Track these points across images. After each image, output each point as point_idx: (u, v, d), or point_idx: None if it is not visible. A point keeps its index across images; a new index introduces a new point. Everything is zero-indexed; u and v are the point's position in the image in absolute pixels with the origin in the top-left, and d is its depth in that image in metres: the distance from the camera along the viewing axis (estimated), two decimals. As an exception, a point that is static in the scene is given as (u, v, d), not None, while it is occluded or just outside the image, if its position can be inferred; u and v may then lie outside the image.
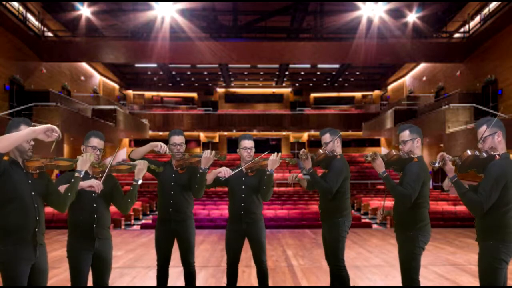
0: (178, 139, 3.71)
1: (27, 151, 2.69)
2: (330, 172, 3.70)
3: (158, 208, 3.79)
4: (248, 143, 3.80)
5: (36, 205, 2.66)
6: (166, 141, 3.78)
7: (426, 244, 3.20)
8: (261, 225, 3.78)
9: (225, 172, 3.68)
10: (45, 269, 2.73)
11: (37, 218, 2.66)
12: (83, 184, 2.95)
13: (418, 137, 3.30)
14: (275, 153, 3.66)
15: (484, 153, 2.81)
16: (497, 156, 2.80)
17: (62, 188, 2.84)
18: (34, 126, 2.68)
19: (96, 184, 2.97)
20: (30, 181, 2.67)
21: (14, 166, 2.65)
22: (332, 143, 3.78)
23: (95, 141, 3.18)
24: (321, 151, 3.76)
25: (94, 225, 3.06)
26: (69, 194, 2.78)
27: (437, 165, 2.86)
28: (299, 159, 3.77)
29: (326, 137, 3.81)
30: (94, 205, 3.08)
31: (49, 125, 2.56)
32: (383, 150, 27.09)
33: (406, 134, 3.30)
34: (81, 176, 2.83)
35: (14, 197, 2.59)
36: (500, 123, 2.87)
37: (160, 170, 3.55)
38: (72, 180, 2.80)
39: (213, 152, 3.52)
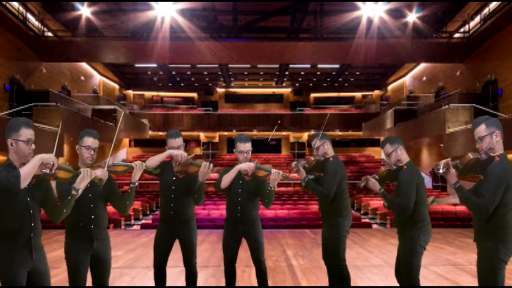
0: (176, 142, 3.65)
1: (27, 156, 2.64)
2: (325, 176, 3.75)
3: (160, 208, 3.78)
4: (245, 147, 3.68)
5: (31, 211, 2.63)
6: (166, 141, 3.75)
7: (427, 243, 3.24)
8: (257, 225, 3.78)
9: (250, 168, 3.62)
10: (45, 272, 2.71)
11: (32, 224, 2.63)
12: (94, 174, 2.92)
13: (399, 146, 3.38)
14: (277, 171, 3.56)
15: (483, 155, 2.79)
16: (496, 157, 2.78)
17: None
18: (36, 126, 2.67)
19: (104, 175, 2.95)
20: (27, 187, 2.60)
21: (11, 169, 2.59)
22: (322, 147, 3.83)
23: (90, 141, 3.08)
24: (312, 158, 3.82)
25: (92, 226, 3.04)
26: (65, 210, 2.77)
27: (441, 171, 2.85)
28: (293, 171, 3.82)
29: (316, 142, 3.84)
30: (92, 205, 3.05)
31: (52, 157, 2.56)
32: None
33: (387, 147, 3.38)
34: (78, 194, 2.80)
35: (10, 203, 2.57)
36: (498, 122, 2.85)
37: (157, 171, 3.52)
38: (69, 197, 2.77)
39: (211, 166, 3.49)
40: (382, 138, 26.59)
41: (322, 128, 3.96)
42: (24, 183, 2.50)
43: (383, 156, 26.90)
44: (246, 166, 3.64)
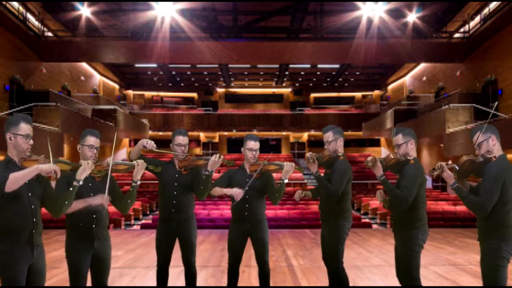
0: (183, 139, 3.67)
1: (26, 150, 2.67)
2: (334, 174, 3.64)
3: (159, 208, 3.77)
4: (254, 145, 3.72)
5: (33, 206, 2.65)
6: (166, 141, 3.76)
7: (424, 242, 3.25)
8: (264, 225, 3.78)
9: (237, 196, 3.60)
10: (42, 269, 2.72)
11: (34, 219, 2.65)
12: (91, 201, 2.97)
13: (411, 139, 3.34)
14: (289, 163, 3.59)
15: (480, 157, 2.89)
16: (494, 158, 2.87)
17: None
18: (35, 125, 2.68)
19: (105, 201, 2.99)
20: (27, 182, 2.63)
21: (11, 165, 2.62)
22: (335, 142, 3.73)
23: (92, 140, 3.12)
24: (325, 152, 3.72)
25: (94, 226, 3.04)
26: (66, 202, 2.78)
27: (435, 173, 2.93)
28: (306, 162, 3.72)
29: (329, 136, 3.75)
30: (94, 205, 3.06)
31: (52, 166, 2.54)
32: (383, 150, 27.09)
33: (399, 138, 3.34)
34: (79, 184, 2.83)
35: (11, 198, 2.57)
36: (493, 128, 2.95)
37: (158, 170, 3.53)
38: (71, 188, 2.80)
39: (222, 156, 3.50)
40: (382, 138, 26.66)
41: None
42: (10, 187, 2.48)
43: (383, 155, 26.95)
44: (232, 192, 3.62)
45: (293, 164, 3.60)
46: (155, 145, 3.55)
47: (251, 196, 3.69)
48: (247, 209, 3.70)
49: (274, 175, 3.81)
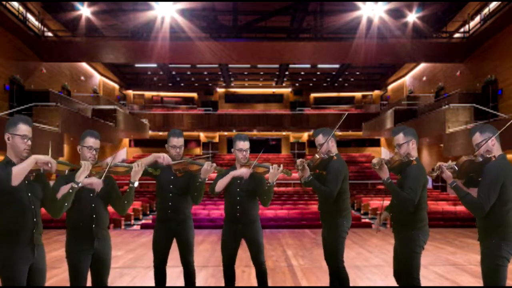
0: (177, 141, 3.67)
1: (23, 151, 2.68)
2: (329, 174, 3.63)
3: (157, 209, 3.78)
4: (244, 145, 3.69)
5: (33, 207, 2.67)
6: (166, 141, 3.76)
7: (425, 243, 3.24)
8: (257, 225, 3.75)
9: (246, 174, 3.60)
10: (43, 269, 2.73)
11: (35, 219, 2.66)
12: (83, 181, 2.94)
13: (412, 139, 3.29)
14: (276, 166, 3.56)
15: (479, 157, 2.89)
16: (493, 158, 2.87)
17: (64, 188, 2.85)
18: (35, 125, 2.69)
19: (96, 183, 2.98)
20: (26, 182, 2.66)
21: (10, 166, 2.62)
22: (326, 144, 3.70)
23: (91, 141, 3.13)
24: (317, 156, 3.69)
25: (94, 226, 3.05)
26: (66, 204, 2.80)
27: (434, 174, 2.94)
28: (297, 170, 3.70)
29: (320, 139, 3.73)
30: (93, 205, 3.07)
31: (48, 158, 2.60)
32: (383, 150, 27.09)
33: (400, 137, 3.29)
34: (78, 187, 2.84)
35: (12, 198, 2.59)
36: (492, 127, 2.94)
37: (157, 173, 3.53)
38: (70, 190, 2.81)
39: (214, 165, 3.50)
40: (382, 138, 26.66)
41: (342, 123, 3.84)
42: (15, 181, 2.54)
43: (383, 155, 26.97)
44: (240, 172, 3.61)
45: (280, 167, 3.56)
46: (171, 160, 3.57)
47: (242, 197, 3.69)
48: (238, 210, 3.69)
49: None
